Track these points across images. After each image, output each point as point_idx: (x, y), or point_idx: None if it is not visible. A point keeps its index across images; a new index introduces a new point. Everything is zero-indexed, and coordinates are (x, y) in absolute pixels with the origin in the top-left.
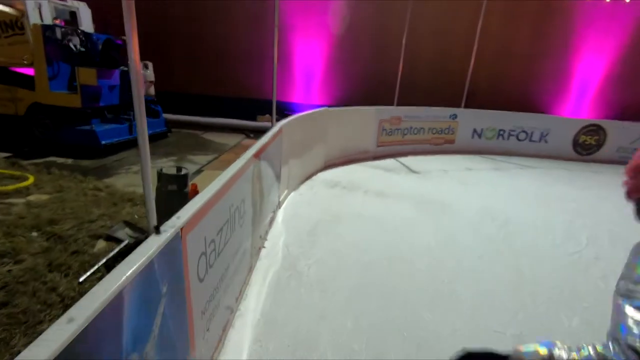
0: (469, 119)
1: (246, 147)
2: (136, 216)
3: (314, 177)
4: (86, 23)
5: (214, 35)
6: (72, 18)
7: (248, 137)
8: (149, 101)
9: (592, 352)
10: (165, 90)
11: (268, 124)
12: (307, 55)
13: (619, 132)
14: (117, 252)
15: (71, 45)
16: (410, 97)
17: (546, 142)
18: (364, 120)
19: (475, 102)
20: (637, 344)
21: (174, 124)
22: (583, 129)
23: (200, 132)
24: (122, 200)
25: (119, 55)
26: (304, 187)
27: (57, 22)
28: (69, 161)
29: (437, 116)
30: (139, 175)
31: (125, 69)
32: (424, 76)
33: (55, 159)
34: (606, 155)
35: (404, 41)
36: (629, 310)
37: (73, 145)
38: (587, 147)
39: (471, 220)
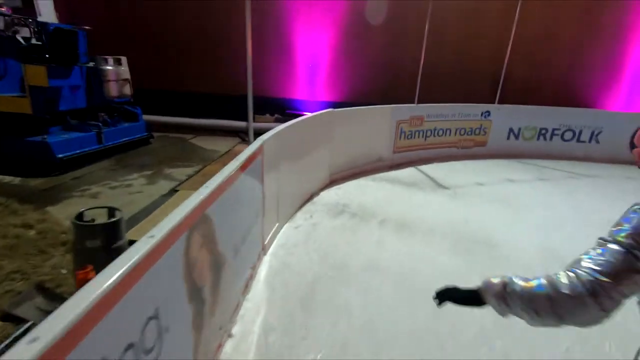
0: (504, 117)
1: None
2: (63, 271)
3: (315, 199)
4: (47, 12)
5: (205, 24)
6: (26, 6)
7: (243, 140)
8: (123, 103)
9: (543, 279)
10: (151, 88)
11: (268, 124)
12: (312, 45)
13: None
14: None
15: (19, 37)
16: (434, 93)
17: (597, 142)
18: (378, 122)
19: (508, 95)
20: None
21: (159, 128)
22: None
23: (190, 136)
24: (53, 244)
25: (78, 48)
26: (300, 216)
27: (3, 9)
28: (17, 180)
29: (467, 114)
30: (96, 200)
31: (92, 65)
32: (450, 67)
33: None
34: None
35: (427, 25)
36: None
37: (23, 160)
38: None
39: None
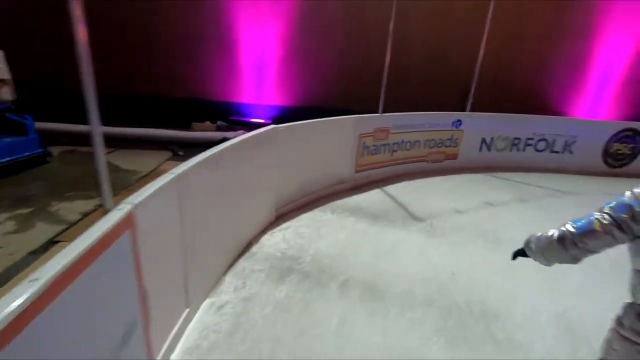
0: (476, 127)
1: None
2: None
3: (254, 248)
4: None
5: (130, 10)
6: None
7: (176, 155)
8: (4, 111)
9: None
10: (62, 87)
11: (209, 134)
12: (259, 41)
13: None
14: None
15: None
16: (400, 99)
17: (571, 152)
18: (337, 137)
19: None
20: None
21: (71, 139)
22: (616, 135)
23: (109, 149)
24: None
25: None
26: (229, 283)
27: None
28: None
29: (437, 124)
30: None
31: None
32: (417, 69)
33: None
34: (639, 166)
35: (391, 26)
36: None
37: None
38: (619, 157)
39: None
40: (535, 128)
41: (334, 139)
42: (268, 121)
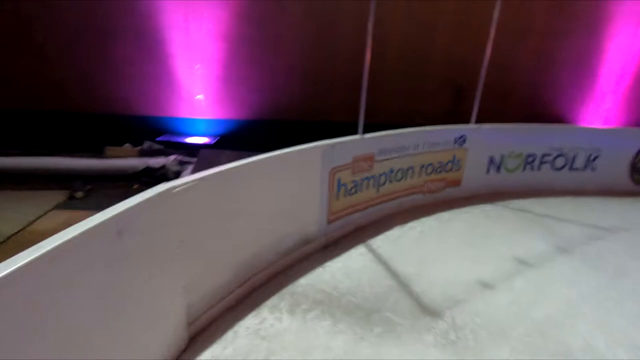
0: (482, 143)
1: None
2: None
3: None
4: None
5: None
6: None
7: (72, 198)
8: None
9: None
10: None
11: (127, 162)
12: (198, 41)
13: None
14: None
15: None
16: (379, 110)
17: (593, 169)
18: (296, 178)
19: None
20: None
21: None
22: None
23: None
24: None
25: None
26: None
27: None
28: None
29: (436, 143)
30: None
31: None
32: (398, 73)
33: None
34: None
35: (370, 25)
36: None
37: None
38: None
39: None
40: (552, 141)
41: (292, 181)
42: (212, 140)
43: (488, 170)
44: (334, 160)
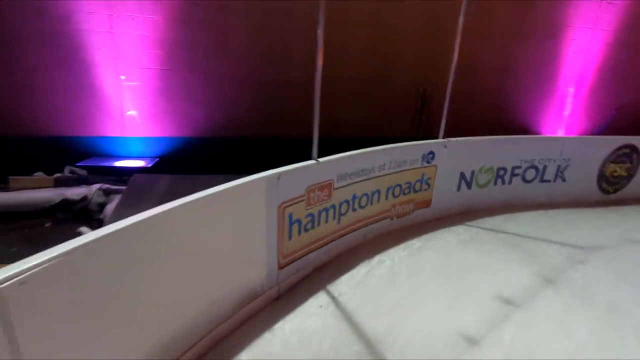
0: (452, 158)
1: None
2: None
3: None
4: None
5: None
6: None
7: None
8: None
9: None
10: None
11: (37, 194)
12: (130, 45)
13: None
14: None
15: None
16: (336, 123)
17: (564, 180)
18: (238, 219)
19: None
20: None
21: None
22: (613, 154)
23: None
24: None
25: None
26: None
27: None
28: None
29: (402, 162)
30: None
31: None
32: (356, 84)
33: None
34: (635, 190)
35: (319, 31)
36: None
37: None
38: (614, 180)
39: None
40: (523, 153)
41: (228, 226)
42: (148, 163)
43: (459, 188)
44: (283, 193)
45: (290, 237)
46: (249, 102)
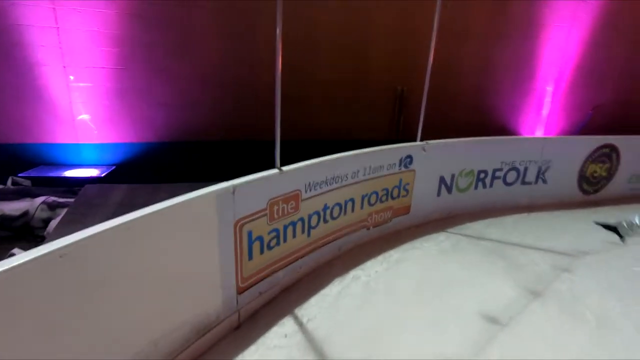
0: (431, 162)
1: None
2: None
3: None
4: None
5: None
6: None
7: None
8: None
9: None
10: None
11: None
12: (80, 43)
13: (632, 154)
14: None
15: None
16: (303, 125)
17: (545, 181)
18: (185, 241)
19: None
20: None
21: None
22: (593, 154)
23: None
24: None
25: None
26: None
27: None
28: None
29: (377, 167)
30: None
31: None
32: (336, 84)
33: None
34: (615, 190)
35: (278, 31)
36: None
37: None
38: (594, 181)
39: None
40: (503, 154)
41: (173, 250)
42: (103, 172)
43: (439, 193)
44: (239, 208)
45: (250, 257)
46: (215, 104)
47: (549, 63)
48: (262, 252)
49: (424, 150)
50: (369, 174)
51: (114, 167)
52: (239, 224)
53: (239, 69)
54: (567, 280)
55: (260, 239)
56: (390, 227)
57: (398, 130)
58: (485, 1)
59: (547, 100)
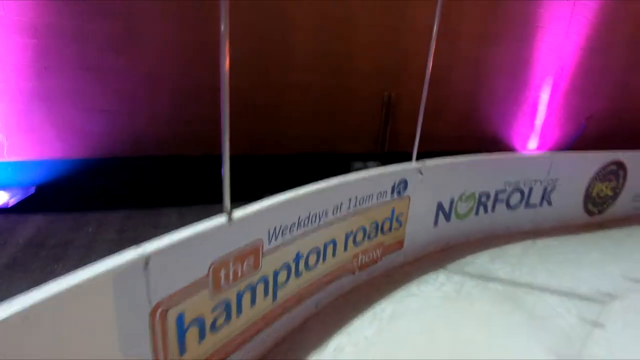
0: (426, 186)
1: None
2: None
3: None
4: None
5: None
6: None
7: None
8: None
9: None
10: None
11: None
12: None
13: (638, 170)
14: None
15: None
16: (289, 141)
17: (550, 203)
18: (71, 342)
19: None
20: None
21: None
22: (600, 172)
23: None
24: None
25: None
26: None
27: None
28: None
29: (366, 197)
30: None
31: None
32: (315, 91)
33: None
34: (619, 210)
35: (222, 28)
36: None
37: None
38: (600, 201)
39: None
40: (507, 174)
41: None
42: (18, 197)
43: (436, 222)
44: (159, 286)
45: (183, 352)
46: (164, 111)
47: (543, 68)
48: (202, 338)
49: (421, 173)
50: (355, 206)
51: (33, 191)
52: (160, 310)
53: (196, 69)
54: (603, 340)
55: (198, 322)
56: (380, 268)
57: (384, 141)
58: (477, 1)
59: (542, 108)
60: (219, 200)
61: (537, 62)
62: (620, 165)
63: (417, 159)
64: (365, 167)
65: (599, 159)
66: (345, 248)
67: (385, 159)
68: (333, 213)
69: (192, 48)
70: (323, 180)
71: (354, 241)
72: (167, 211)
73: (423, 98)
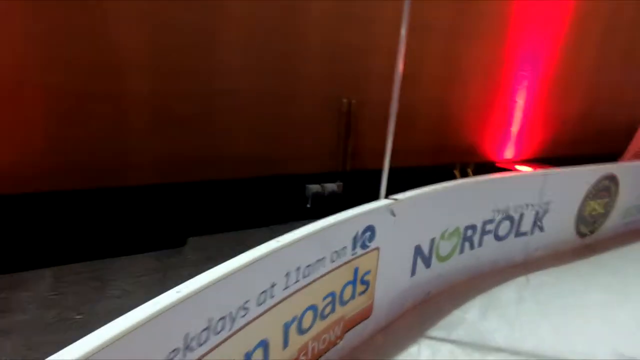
0: (400, 229)
1: None
2: None
3: None
4: None
5: None
6: None
7: None
8: None
9: None
10: None
11: None
12: None
13: (630, 184)
14: None
15: None
16: (219, 162)
17: (542, 229)
18: None
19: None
20: None
21: None
22: (594, 188)
23: None
24: None
25: None
26: None
27: None
28: None
29: (314, 264)
30: None
31: None
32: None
33: None
34: (610, 228)
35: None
36: None
37: None
38: (591, 220)
39: None
40: (496, 199)
41: None
42: None
43: (414, 271)
44: None
45: None
46: (54, 133)
47: (518, 70)
48: None
49: (393, 214)
50: (296, 281)
51: None
52: None
53: (92, 77)
54: None
55: None
56: (340, 350)
57: (345, 157)
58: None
59: (517, 114)
60: None
61: (513, 62)
62: (612, 179)
63: (388, 184)
64: (322, 190)
65: (592, 173)
66: (287, 343)
67: (347, 179)
68: (267, 298)
69: (82, 53)
70: (243, 254)
71: (299, 329)
72: None
73: (393, 106)
